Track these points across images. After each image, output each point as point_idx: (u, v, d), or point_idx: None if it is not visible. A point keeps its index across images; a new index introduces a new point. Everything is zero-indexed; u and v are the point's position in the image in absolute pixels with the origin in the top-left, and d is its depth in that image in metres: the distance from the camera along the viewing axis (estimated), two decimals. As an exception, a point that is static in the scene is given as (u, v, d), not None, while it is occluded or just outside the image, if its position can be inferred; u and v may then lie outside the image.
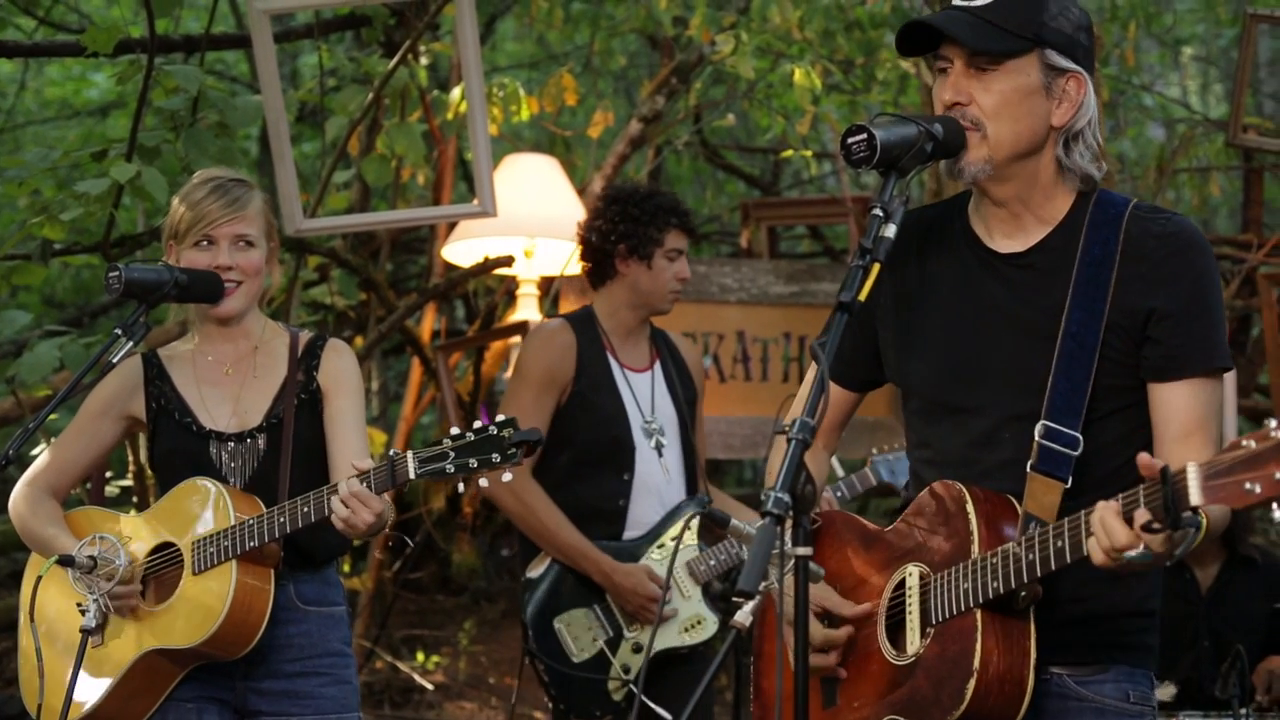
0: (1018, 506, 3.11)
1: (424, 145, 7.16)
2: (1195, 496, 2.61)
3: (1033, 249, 3.23)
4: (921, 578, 3.17)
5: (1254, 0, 8.30)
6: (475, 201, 6.13)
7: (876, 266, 2.93)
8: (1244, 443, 2.54)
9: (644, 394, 5.57)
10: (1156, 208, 3.24)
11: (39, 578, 4.19)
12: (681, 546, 5.46)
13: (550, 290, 8.17)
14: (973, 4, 3.15)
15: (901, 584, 3.21)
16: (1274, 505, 2.51)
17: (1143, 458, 2.73)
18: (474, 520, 9.46)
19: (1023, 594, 3.00)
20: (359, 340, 8.24)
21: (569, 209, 7.81)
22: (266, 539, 4.09)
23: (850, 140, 3.05)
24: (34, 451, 4.57)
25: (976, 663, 3.00)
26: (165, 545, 4.27)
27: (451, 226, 8.02)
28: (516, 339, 7.90)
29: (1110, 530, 2.78)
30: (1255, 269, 8.55)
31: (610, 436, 5.47)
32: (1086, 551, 2.85)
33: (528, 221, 7.61)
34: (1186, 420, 3.11)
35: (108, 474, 5.94)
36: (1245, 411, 9.41)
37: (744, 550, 5.28)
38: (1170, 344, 3.11)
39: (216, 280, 4.28)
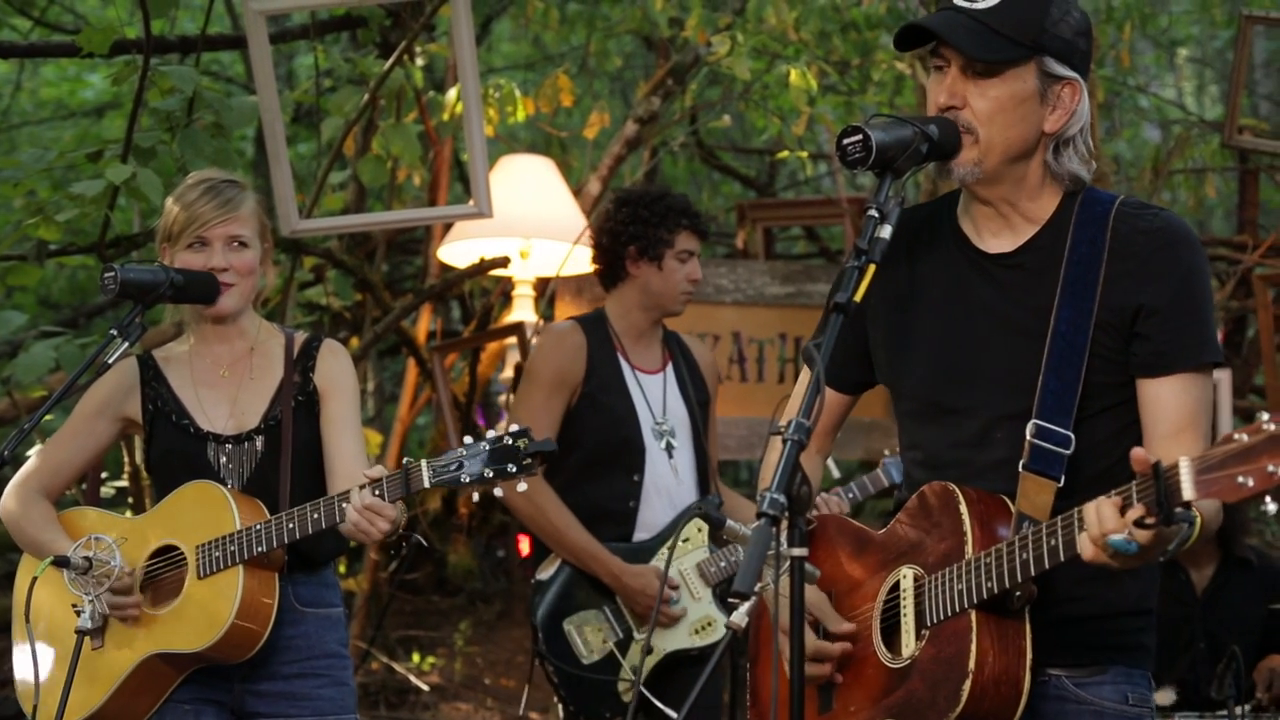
0: (1011, 506, 3.10)
1: (420, 146, 7.16)
2: (1188, 491, 2.60)
3: (1021, 249, 3.22)
4: (916, 580, 3.16)
5: (1249, 1, 8.31)
6: (471, 202, 6.13)
7: (872, 267, 2.93)
8: (1236, 436, 2.53)
9: (655, 395, 5.57)
10: (1144, 204, 3.23)
11: (34, 579, 4.18)
12: (692, 548, 5.46)
13: (546, 291, 8.17)
14: (974, 6, 3.13)
15: (896, 586, 3.20)
16: (1267, 498, 2.50)
17: (1135, 452, 2.72)
18: (470, 521, 9.46)
19: (1017, 594, 2.99)
20: (355, 341, 8.24)
21: (565, 210, 7.82)
22: (275, 544, 4.10)
23: (846, 141, 3.05)
24: (29, 452, 4.55)
25: (972, 664, 2.99)
26: (166, 548, 4.26)
27: (447, 227, 8.02)
28: (512, 340, 7.90)
29: (1103, 516, 2.77)
30: (1250, 270, 8.56)
31: (620, 438, 5.47)
32: (1079, 548, 2.84)
33: (523, 222, 7.61)
34: (1177, 416, 3.10)
35: (103, 474, 5.93)
36: (1241, 412, 9.41)
37: (741, 551, 5.28)
38: (1159, 340, 3.10)
39: (212, 281, 4.27)
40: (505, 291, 8.42)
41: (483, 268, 7.34)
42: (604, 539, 5.41)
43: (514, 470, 3.86)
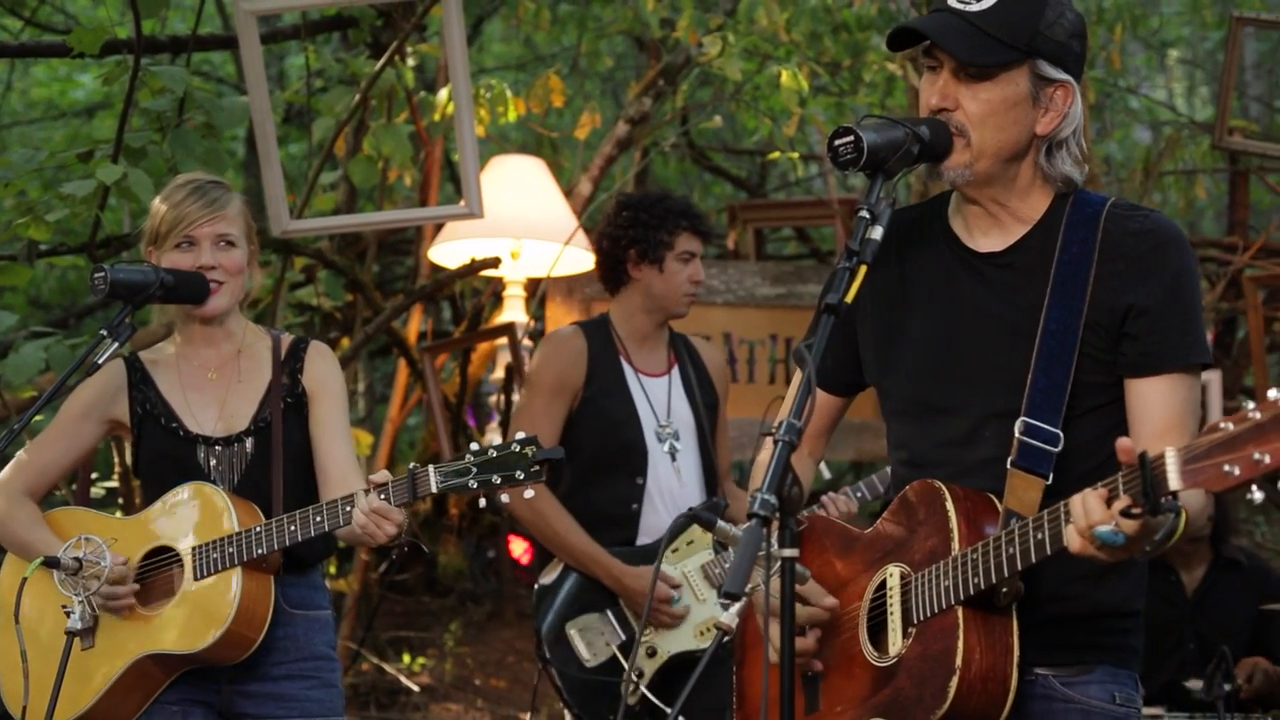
0: (998, 504, 3.10)
1: (410, 146, 7.16)
2: (1174, 480, 2.60)
3: (1011, 248, 3.23)
4: (902, 577, 3.16)
5: (1240, 3, 8.33)
6: (462, 203, 6.12)
7: (863, 268, 2.93)
8: (1222, 425, 2.53)
9: (659, 398, 5.57)
10: (1134, 205, 3.23)
11: (24, 579, 4.17)
12: (697, 550, 5.45)
13: (537, 292, 8.17)
14: (968, 8, 3.13)
15: (883, 585, 3.21)
16: (1253, 487, 2.50)
17: (1121, 443, 2.72)
18: (460, 522, 9.46)
19: (1004, 590, 2.99)
20: (345, 341, 8.24)
21: (555, 211, 7.82)
22: (275, 547, 4.10)
23: (837, 142, 3.04)
24: (18, 453, 4.54)
25: (959, 660, 2.99)
26: (160, 550, 4.26)
27: (438, 228, 8.02)
28: (503, 341, 7.90)
29: (1088, 507, 2.77)
30: (1241, 271, 8.58)
31: (621, 441, 5.48)
32: (1066, 541, 2.84)
33: (514, 223, 7.61)
34: (1164, 416, 3.10)
35: (94, 475, 5.92)
36: (1231, 414, 9.42)
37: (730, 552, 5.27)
38: (1148, 340, 3.11)
39: (202, 280, 4.27)
40: (496, 292, 8.41)
41: (473, 268, 7.34)
42: (607, 543, 5.41)
43: (521, 477, 3.89)
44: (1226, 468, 2.51)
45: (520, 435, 3.92)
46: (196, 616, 4.15)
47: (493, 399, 8.52)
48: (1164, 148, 9.35)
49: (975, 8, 3.12)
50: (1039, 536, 2.90)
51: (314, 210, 7.15)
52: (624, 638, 5.38)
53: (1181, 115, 12.54)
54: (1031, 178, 3.22)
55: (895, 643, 3.14)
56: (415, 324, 9.06)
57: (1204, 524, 6.58)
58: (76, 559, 4.16)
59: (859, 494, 5.61)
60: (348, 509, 4.01)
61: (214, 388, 4.39)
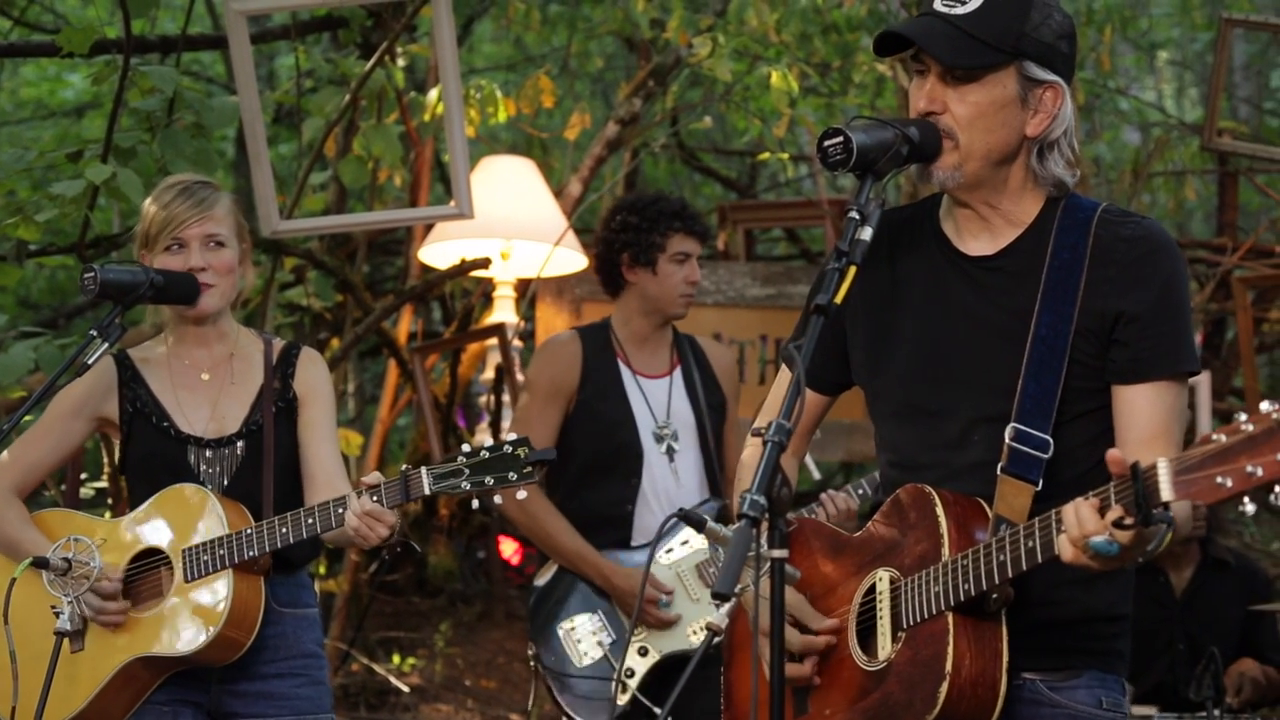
0: (988, 509, 3.10)
1: (401, 147, 7.16)
2: (1167, 492, 2.60)
3: (1002, 252, 3.22)
4: (892, 582, 3.16)
5: (1229, 4, 8.34)
6: (452, 203, 6.12)
7: (853, 269, 2.93)
8: (1214, 437, 2.53)
9: (658, 399, 5.58)
10: (1126, 211, 3.23)
11: (12, 580, 4.17)
12: (692, 550, 5.45)
13: (527, 292, 8.17)
14: (952, 11, 3.12)
15: (872, 589, 3.20)
16: (1245, 499, 2.50)
17: (1112, 454, 2.72)
18: (450, 522, 9.45)
19: (994, 596, 2.99)
20: (335, 342, 8.24)
21: (546, 211, 7.82)
22: (267, 549, 4.10)
23: (827, 143, 3.05)
24: (6, 451, 4.53)
25: (949, 666, 2.99)
26: (148, 552, 4.25)
27: (428, 228, 8.02)
28: (493, 341, 7.90)
29: (1082, 517, 2.77)
30: (1230, 272, 8.60)
31: (616, 443, 5.50)
32: (1058, 550, 2.84)
33: (504, 223, 7.61)
34: (1151, 423, 3.10)
35: (83, 475, 5.92)
36: (1221, 414, 9.43)
37: (721, 552, 5.28)
38: (1137, 347, 3.11)
39: (192, 281, 4.27)
40: (486, 292, 8.41)
41: (464, 269, 7.34)
42: (602, 544, 5.43)
43: (514, 479, 3.90)
44: (1219, 479, 2.51)
45: (512, 436, 3.93)
46: (187, 619, 4.15)
47: (483, 399, 8.51)
48: (1153, 149, 9.38)
49: (960, 11, 3.12)
50: (1030, 544, 2.90)
51: (304, 211, 7.15)
52: (615, 638, 5.38)
53: (1171, 116, 12.56)
54: (1023, 180, 3.22)
55: (885, 647, 3.14)
56: (405, 324, 9.05)
57: (1192, 527, 6.62)
58: (66, 559, 4.16)
59: (860, 491, 5.60)
60: (340, 511, 4.01)
61: (206, 389, 4.38)
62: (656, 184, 12.55)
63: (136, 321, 5.74)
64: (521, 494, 3.97)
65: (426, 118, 7.35)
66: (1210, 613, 6.67)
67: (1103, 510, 2.75)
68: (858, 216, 2.97)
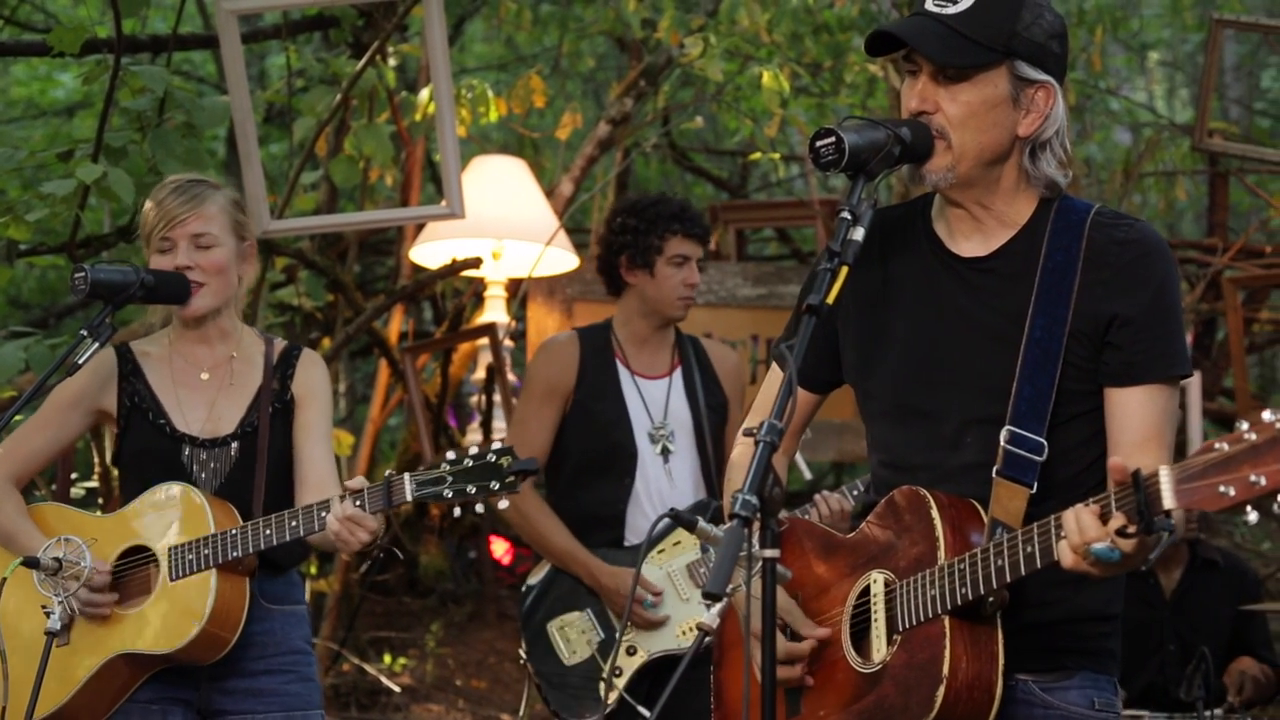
0: (983, 512, 3.10)
1: (392, 146, 7.15)
2: (1169, 500, 2.60)
3: (994, 254, 3.22)
4: (887, 584, 3.15)
5: (1220, 5, 8.35)
6: (443, 203, 6.12)
7: (845, 269, 2.93)
8: (1217, 445, 2.52)
9: (656, 400, 5.58)
10: (1119, 214, 3.23)
11: (3, 579, 4.16)
12: (684, 550, 5.45)
13: (518, 292, 8.17)
14: (944, 11, 3.12)
15: (866, 591, 3.20)
16: (1247, 508, 2.50)
17: (1114, 462, 2.72)
18: (441, 522, 9.45)
19: (990, 600, 2.99)
20: (326, 342, 8.23)
21: (537, 211, 7.81)
22: (251, 550, 4.09)
23: (818, 143, 3.04)
24: (4, 441, 4.53)
25: (946, 669, 2.99)
26: (136, 549, 4.25)
27: (419, 228, 8.01)
28: (484, 341, 7.89)
29: (1083, 524, 2.77)
30: (1220, 273, 8.60)
31: (610, 443, 5.50)
32: (1057, 556, 2.83)
33: (496, 223, 7.61)
34: (1142, 426, 3.10)
35: (73, 475, 5.91)
36: (1210, 415, 9.46)
37: (712, 553, 5.28)
38: (1130, 350, 3.11)
39: (183, 281, 4.26)
40: (477, 292, 8.40)
41: (455, 268, 7.34)
42: (596, 543, 5.44)
43: (496, 487, 3.90)
44: (1222, 488, 2.51)
45: (496, 445, 3.92)
46: (172, 617, 4.14)
47: (474, 399, 8.51)
48: (1144, 149, 9.39)
49: (951, 10, 3.12)
50: (1028, 550, 2.90)
51: (295, 210, 7.13)
52: (604, 637, 5.39)
53: (1161, 117, 12.57)
54: (1016, 180, 3.21)
55: (879, 649, 3.13)
56: (396, 324, 9.05)
57: (1186, 529, 6.63)
58: (56, 559, 4.15)
59: (854, 491, 5.60)
60: (323, 515, 4.00)
61: (205, 388, 4.38)
62: (648, 184, 12.56)
63: (127, 321, 5.73)
64: (503, 504, 3.96)
65: (418, 117, 7.35)
66: (1200, 613, 6.67)
67: (1104, 517, 2.75)
68: (850, 217, 2.97)
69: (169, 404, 4.35)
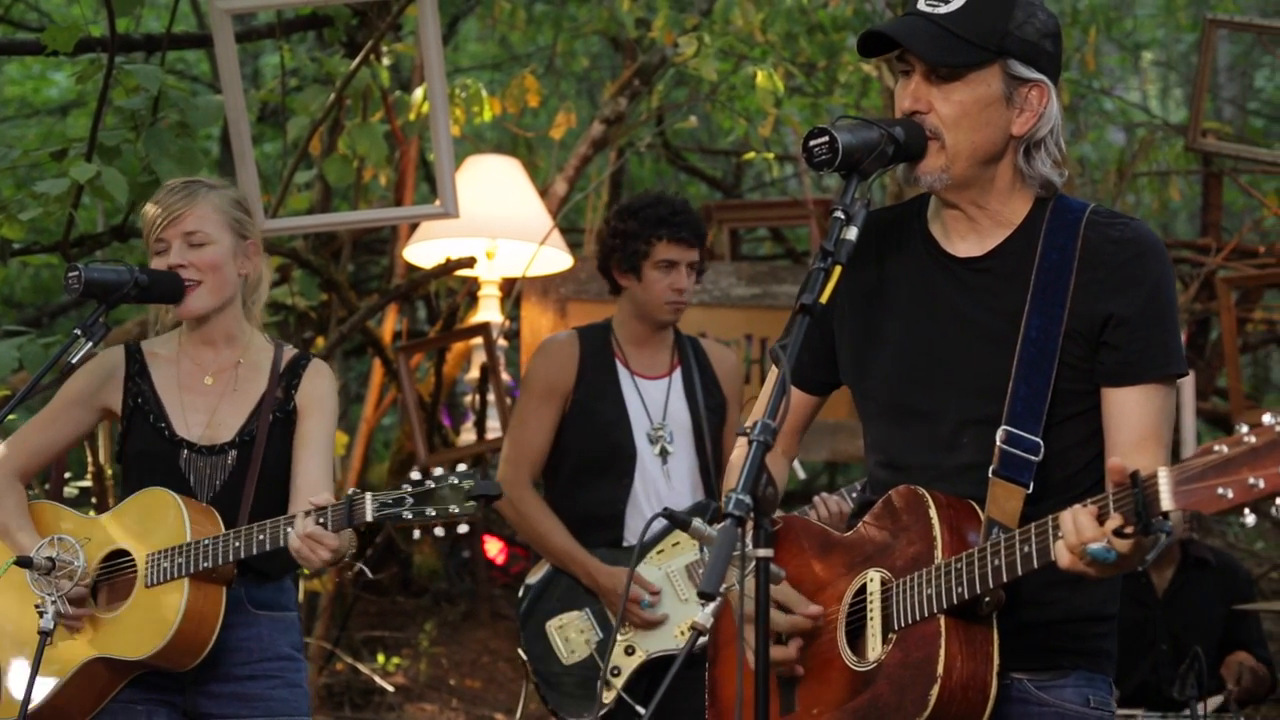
0: (980, 512, 3.10)
1: (386, 146, 7.15)
2: (1167, 501, 2.60)
3: (990, 253, 3.22)
4: (883, 583, 3.15)
5: (1214, 5, 8.36)
6: (437, 202, 6.12)
7: (838, 269, 2.93)
8: (1216, 447, 2.52)
9: (655, 401, 5.58)
10: (1114, 213, 3.23)
11: (-4, 578, 4.17)
12: (682, 550, 5.45)
13: (512, 291, 8.17)
14: (936, 10, 3.13)
15: (862, 589, 3.20)
16: (1246, 510, 2.50)
17: (1113, 463, 2.72)
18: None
19: (986, 600, 2.99)
20: (320, 341, 8.22)
21: (531, 210, 7.81)
22: (220, 561, 4.05)
23: (812, 143, 3.05)
24: (15, 433, 4.52)
25: (940, 669, 2.98)
26: (121, 552, 4.24)
27: (413, 227, 8.01)
28: (478, 340, 7.89)
29: (1080, 525, 2.77)
30: (1214, 273, 8.61)
31: (609, 443, 5.50)
32: (1054, 556, 2.84)
33: (490, 223, 7.61)
34: (1139, 426, 3.10)
35: (66, 475, 5.90)
36: (1204, 414, 9.47)
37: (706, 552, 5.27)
38: (1126, 350, 3.11)
39: (177, 280, 4.24)
40: (471, 292, 8.41)
41: (448, 268, 7.34)
42: (594, 543, 5.43)
43: (455, 511, 3.82)
44: (1220, 490, 2.51)
45: (462, 468, 3.86)
46: (145, 623, 4.12)
47: (467, 399, 8.51)
48: (1138, 149, 9.40)
49: (943, 10, 3.12)
50: (1025, 550, 2.90)
51: (289, 210, 7.13)
52: (603, 637, 5.39)
53: (1155, 117, 12.58)
54: (1011, 180, 3.22)
55: (875, 648, 3.13)
56: (390, 323, 9.04)
57: (1180, 533, 6.64)
58: (50, 559, 4.15)
59: (854, 494, 5.59)
60: (288, 530, 3.96)
61: (208, 393, 4.36)
62: (642, 183, 12.55)
63: (121, 321, 5.73)
64: (463, 528, 3.89)
65: (412, 117, 7.34)
66: (1192, 612, 6.68)
67: (1101, 518, 2.75)
68: (843, 216, 2.97)
69: (171, 407, 4.34)
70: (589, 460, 5.52)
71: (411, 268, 8.32)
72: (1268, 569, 10.19)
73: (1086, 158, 11.37)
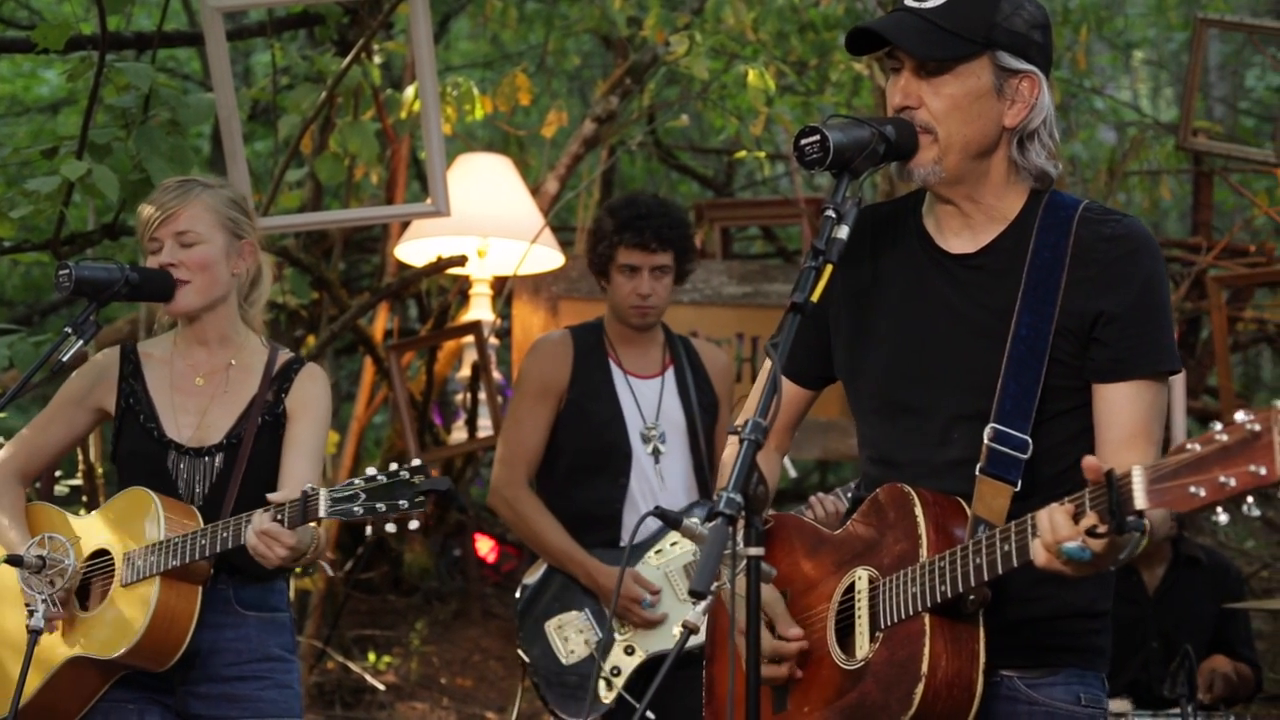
0: (967, 510, 3.10)
1: (377, 144, 7.14)
2: (1140, 500, 2.60)
3: (983, 250, 3.23)
4: (870, 581, 3.16)
5: (1204, 5, 8.38)
6: (429, 201, 6.11)
7: (829, 268, 2.93)
8: (1189, 446, 2.53)
9: (648, 400, 5.58)
10: (1107, 210, 3.23)
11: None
12: (681, 550, 5.45)
13: (503, 290, 8.17)
14: (922, 5, 3.14)
15: (851, 588, 3.21)
16: (1218, 509, 2.50)
17: (1088, 461, 2.72)
18: (426, 520, 9.44)
19: (971, 597, 2.99)
20: (311, 339, 8.21)
21: (522, 209, 7.82)
22: (188, 559, 4.03)
23: (803, 142, 3.05)
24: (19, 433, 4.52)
25: (925, 667, 2.99)
26: (103, 551, 4.24)
27: (404, 226, 8.01)
28: (469, 339, 7.89)
29: (1055, 523, 2.77)
30: (1204, 271, 8.62)
31: (604, 443, 5.51)
32: (1032, 554, 2.84)
33: (481, 221, 7.61)
34: (1130, 423, 3.11)
35: (57, 473, 5.90)
36: (1195, 413, 9.48)
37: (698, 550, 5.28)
38: (1117, 346, 3.11)
39: (167, 278, 4.24)
40: (462, 290, 8.40)
41: (440, 266, 7.33)
42: (591, 543, 5.44)
43: (405, 506, 3.78)
44: (1192, 489, 2.51)
45: (413, 463, 3.82)
46: (118, 623, 4.12)
47: (459, 397, 8.51)
48: (1129, 148, 9.40)
49: (930, 4, 3.13)
50: (1006, 548, 2.90)
51: (280, 208, 7.12)
52: (602, 636, 5.39)
53: (1146, 116, 12.59)
54: (1005, 172, 3.22)
55: (862, 646, 3.14)
56: (381, 322, 9.04)
57: (1167, 531, 6.64)
58: (40, 558, 4.15)
59: (849, 493, 5.59)
60: (247, 530, 3.94)
61: (199, 394, 4.35)
62: (633, 182, 12.56)
63: (112, 319, 5.72)
64: (414, 524, 3.85)
65: (403, 115, 7.34)
66: (1183, 610, 6.69)
67: (1076, 516, 2.75)
68: (834, 215, 2.97)
69: (162, 408, 4.33)
70: (584, 460, 5.53)
71: (403, 266, 8.32)
72: (1259, 567, 10.20)
73: (1077, 157, 11.38)
